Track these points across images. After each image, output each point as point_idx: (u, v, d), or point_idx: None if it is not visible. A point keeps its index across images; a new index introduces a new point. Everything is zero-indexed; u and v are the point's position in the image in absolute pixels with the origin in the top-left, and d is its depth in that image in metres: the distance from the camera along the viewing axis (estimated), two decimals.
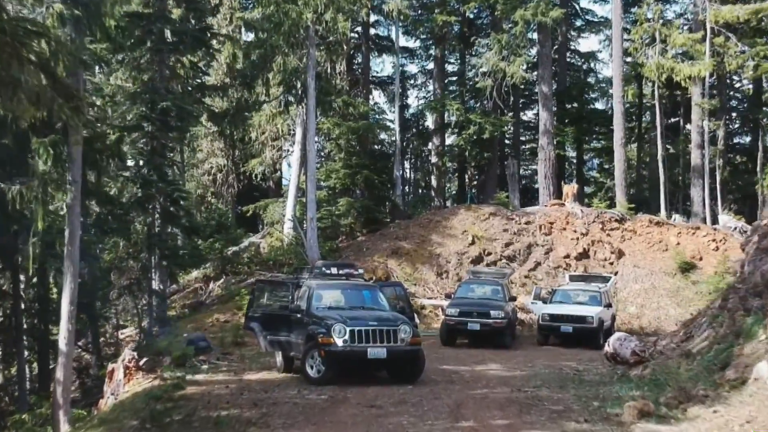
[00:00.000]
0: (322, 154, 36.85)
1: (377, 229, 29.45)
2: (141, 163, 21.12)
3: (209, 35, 23.69)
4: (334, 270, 14.28)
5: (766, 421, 7.90)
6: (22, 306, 20.26)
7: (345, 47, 31.04)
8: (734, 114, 41.93)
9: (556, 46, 36.53)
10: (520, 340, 20.81)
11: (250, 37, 29.24)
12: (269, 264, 26.23)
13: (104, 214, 20.63)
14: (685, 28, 34.53)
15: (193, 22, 22.84)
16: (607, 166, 42.20)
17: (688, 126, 35.72)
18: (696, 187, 31.86)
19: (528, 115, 44.29)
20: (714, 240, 27.05)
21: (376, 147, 36.46)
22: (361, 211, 30.32)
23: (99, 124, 19.53)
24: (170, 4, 22.51)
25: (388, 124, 37.78)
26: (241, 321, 17.20)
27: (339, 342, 12.02)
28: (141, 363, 14.82)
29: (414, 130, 41.50)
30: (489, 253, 26.65)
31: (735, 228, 28.08)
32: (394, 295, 14.68)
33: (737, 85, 41.26)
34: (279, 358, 14.14)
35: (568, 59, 41.59)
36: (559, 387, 12.03)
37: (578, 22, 42.00)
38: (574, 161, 43.56)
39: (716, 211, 31.40)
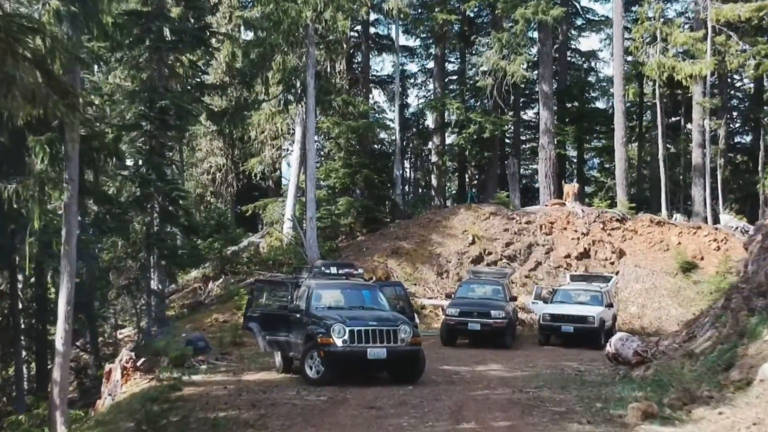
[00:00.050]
0: (322, 153, 36.74)
1: (377, 228, 29.35)
2: (140, 162, 21.02)
3: (208, 34, 23.61)
4: (333, 270, 14.18)
5: None
6: (20, 306, 20.12)
7: (345, 46, 30.96)
8: (735, 113, 41.81)
9: (557, 45, 36.40)
10: (521, 340, 20.71)
11: (249, 35, 29.19)
12: (269, 264, 26.12)
13: (102, 214, 20.50)
14: (686, 26, 34.39)
15: (192, 20, 22.78)
16: (607, 166, 42.09)
17: (689, 125, 35.61)
18: (697, 186, 31.76)
19: (528, 114, 44.25)
20: (715, 240, 26.93)
21: (376, 146, 36.40)
22: (361, 210, 30.22)
23: (97, 123, 19.45)
24: (169, 3, 22.43)
25: (388, 123, 37.75)
26: (240, 321, 17.08)
27: (338, 342, 11.90)
28: (139, 363, 14.72)
29: (414, 129, 41.43)
30: (489, 253, 26.55)
31: (736, 227, 27.98)
32: (394, 294, 14.58)
33: (738, 84, 41.20)
34: (278, 358, 14.04)
35: (568, 58, 41.50)
36: (561, 388, 11.91)
37: (579, 21, 41.93)
38: (575, 160, 43.47)
39: (717, 211, 31.29)
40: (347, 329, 11.96)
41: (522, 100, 41.38)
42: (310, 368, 12.27)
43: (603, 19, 40.93)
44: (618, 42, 32.09)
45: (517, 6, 30.49)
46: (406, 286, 19.72)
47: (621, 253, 26.81)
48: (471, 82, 36.04)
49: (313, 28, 24.43)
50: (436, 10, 34.08)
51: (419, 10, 36.37)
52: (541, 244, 27.12)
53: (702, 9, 30.76)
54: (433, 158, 38.24)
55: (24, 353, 20.65)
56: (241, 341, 17.70)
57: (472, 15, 38.88)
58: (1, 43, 8.60)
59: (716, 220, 30.14)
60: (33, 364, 21.49)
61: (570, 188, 30.25)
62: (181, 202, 20.98)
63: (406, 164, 41.12)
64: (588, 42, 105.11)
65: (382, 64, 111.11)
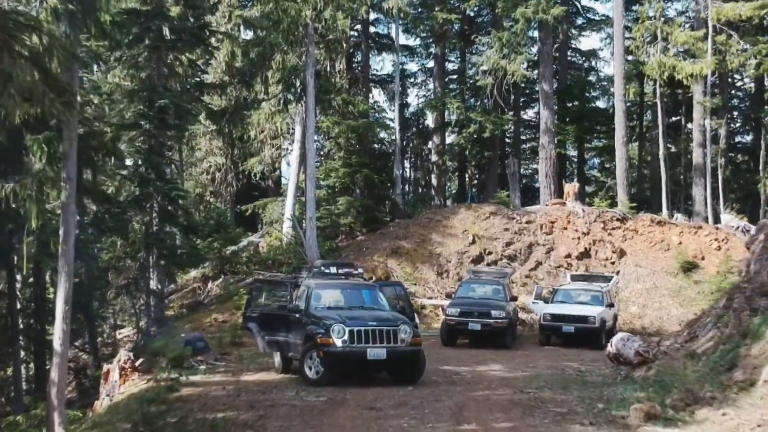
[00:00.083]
0: (322, 152, 36.65)
1: (377, 228, 29.26)
2: (139, 161, 20.96)
3: (208, 33, 23.57)
4: (333, 269, 14.10)
5: None
6: (18, 306, 20.05)
7: (344, 45, 30.93)
8: (736, 112, 41.75)
9: (557, 44, 36.33)
10: (521, 340, 20.62)
11: (248, 34, 29.12)
12: (268, 263, 26.05)
13: (101, 213, 20.44)
14: (687, 26, 34.33)
15: (191, 19, 22.74)
16: (608, 165, 42.02)
17: (689, 125, 35.54)
18: (698, 186, 31.68)
19: (529, 114, 44.19)
20: (716, 239, 26.85)
21: (375, 146, 36.33)
22: (361, 210, 30.14)
23: (96, 123, 19.37)
24: (168, 2, 22.40)
25: (388, 122, 37.72)
26: (239, 321, 17.01)
27: (338, 342, 11.82)
28: (137, 364, 14.63)
29: (414, 128, 41.37)
30: (490, 253, 26.48)
31: (737, 227, 27.91)
32: (394, 294, 14.50)
33: (739, 84, 41.12)
34: (277, 358, 13.96)
35: (569, 57, 41.43)
36: (562, 388, 11.83)
37: (579, 20, 41.84)
38: (575, 160, 43.40)
39: (718, 211, 31.21)
40: (347, 329, 11.87)
41: (522, 99, 41.31)
42: (310, 369, 12.18)
43: (603, 18, 40.84)
44: (618, 41, 32.00)
45: (518, 5, 30.42)
46: (406, 285, 19.66)
47: (622, 253, 26.74)
48: (471, 81, 35.96)
49: (313, 27, 24.36)
50: (437, 9, 34.00)
51: (419, 9, 36.27)
52: (542, 244, 27.04)
53: (703, 8, 30.68)
54: (433, 158, 38.17)
55: (22, 353, 20.59)
56: (241, 341, 17.62)
57: (472, 14, 38.81)
58: None
59: (717, 220, 30.06)
60: (31, 365, 21.41)
61: (570, 188, 30.18)
62: (180, 201, 20.91)
63: (406, 164, 41.08)
64: (588, 41, 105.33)
65: (382, 64, 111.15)
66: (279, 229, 29.16)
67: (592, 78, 42.69)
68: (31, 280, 20.72)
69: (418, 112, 41.52)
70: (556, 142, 33.21)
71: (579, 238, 27.08)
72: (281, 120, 29.52)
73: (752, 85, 39.15)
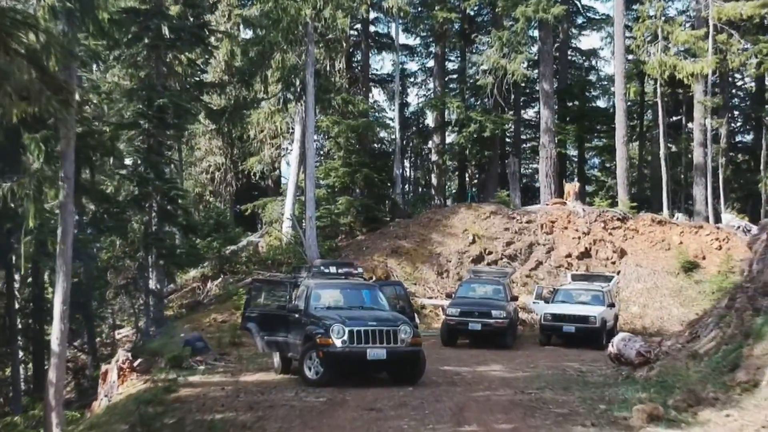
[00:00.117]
0: (321, 152, 36.61)
1: (377, 228, 29.19)
2: (138, 161, 20.91)
3: (207, 32, 23.53)
4: (333, 269, 14.02)
5: None
6: (16, 306, 20.00)
7: (344, 44, 30.86)
8: (737, 112, 41.70)
9: (558, 44, 36.25)
10: (522, 340, 20.54)
11: (248, 34, 29.01)
12: (268, 263, 25.97)
13: (100, 213, 20.41)
14: (688, 25, 34.27)
15: (191, 18, 22.68)
16: (608, 165, 41.98)
17: (690, 124, 35.47)
18: (698, 185, 31.60)
19: (529, 113, 44.12)
20: (717, 239, 26.76)
21: (375, 145, 36.24)
22: (361, 209, 30.07)
23: (96, 122, 19.31)
24: (168, 1, 22.30)
25: (388, 122, 37.67)
26: (238, 321, 16.93)
27: (338, 343, 11.74)
28: (135, 364, 14.54)
29: (414, 128, 41.31)
30: (490, 252, 26.41)
31: (738, 227, 27.82)
32: (394, 294, 14.41)
33: (740, 83, 41.06)
34: (276, 359, 13.88)
35: (569, 57, 41.34)
36: (563, 389, 11.75)
37: (580, 20, 41.76)
38: (576, 160, 43.33)
39: (719, 210, 31.13)
40: (346, 329, 11.79)
41: (522, 98, 41.24)
42: (309, 369, 12.10)
43: (604, 17, 40.76)
44: (619, 40, 31.92)
45: (518, 4, 30.33)
46: (406, 285, 19.58)
47: (622, 253, 26.66)
48: (471, 80, 35.88)
49: (313, 26, 24.29)
50: (437, 8, 33.91)
51: (419, 9, 36.22)
52: (542, 244, 26.97)
53: (703, 7, 30.59)
54: (433, 157, 38.10)
55: (21, 353, 20.53)
56: (240, 341, 17.53)
57: (472, 13, 38.72)
58: None
59: (718, 220, 29.98)
60: (30, 365, 21.35)
61: (571, 187, 30.12)
62: (179, 201, 20.88)
63: (406, 163, 41.02)
64: (589, 40, 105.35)
65: (382, 63, 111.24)
66: (278, 229, 29.09)
67: (592, 77, 42.65)
68: (29, 279, 20.66)
69: (418, 111, 41.48)
70: (556, 141, 33.13)
71: (579, 237, 27.01)
72: (281, 119, 29.46)
73: (753, 84, 39.08)
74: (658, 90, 32.13)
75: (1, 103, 9.09)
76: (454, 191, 42.75)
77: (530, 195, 38.13)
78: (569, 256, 26.50)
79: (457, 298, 19.57)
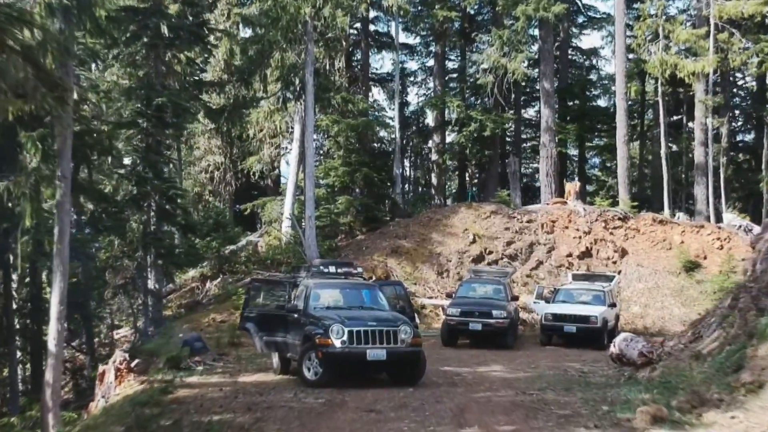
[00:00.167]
0: (321, 151, 36.52)
1: (377, 227, 29.10)
2: (136, 160, 20.82)
3: (206, 31, 23.45)
4: (332, 269, 13.89)
5: None
6: (14, 306, 19.89)
7: (344, 43, 30.76)
8: (738, 111, 41.64)
9: (558, 43, 36.17)
10: (523, 340, 20.43)
11: (247, 32, 28.88)
12: (267, 263, 25.87)
13: (98, 212, 20.31)
14: (689, 24, 34.18)
15: (190, 17, 22.60)
16: (609, 164, 41.89)
17: (691, 123, 35.39)
18: (699, 185, 31.52)
19: (529, 113, 44.04)
20: (718, 238, 26.66)
21: (375, 144, 36.15)
22: (361, 209, 29.99)
23: (94, 121, 19.22)
24: None
25: (388, 121, 37.55)
26: (237, 321, 16.81)
27: (337, 343, 11.61)
28: (133, 365, 14.42)
29: (414, 127, 41.23)
30: (490, 252, 26.31)
31: (739, 226, 27.72)
32: (394, 294, 14.30)
33: (741, 82, 41.01)
34: (275, 359, 13.77)
35: (570, 56, 41.28)
36: (565, 390, 11.62)
37: (580, 18, 41.67)
38: (576, 159, 43.25)
39: (720, 209, 31.05)
40: (346, 330, 11.67)
41: (523, 98, 41.18)
42: (308, 370, 11.98)
43: (604, 16, 40.66)
44: (620, 39, 31.82)
45: (518, 3, 30.23)
46: (406, 285, 19.47)
47: (623, 252, 26.56)
48: (471, 79, 35.81)
49: (312, 24, 24.19)
50: (437, 7, 33.83)
51: (419, 7, 36.12)
52: (543, 243, 26.87)
53: (704, 6, 30.54)
54: (434, 157, 38.00)
55: (18, 354, 20.43)
56: (239, 342, 17.43)
57: (472, 12, 38.65)
58: None
59: (719, 219, 29.91)
60: (28, 365, 21.24)
61: (571, 187, 30.03)
62: (178, 200, 20.81)
63: (406, 163, 40.93)
64: (589, 39, 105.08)
65: (382, 62, 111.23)
66: (278, 229, 28.99)
67: (593, 76, 42.61)
68: (27, 279, 20.56)
69: (418, 110, 41.39)
70: (556, 140, 33.03)
71: (580, 237, 26.91)
72: (280, 118, 29.34)
73: (754, 83, 39.01)
74: (659, 89, 32.07)
75: None
76: (454, 191, 42.66)
77: (531, 194, 38.03)
78: (570, 255, 26.40)
79: (458, 298, 19.46)
